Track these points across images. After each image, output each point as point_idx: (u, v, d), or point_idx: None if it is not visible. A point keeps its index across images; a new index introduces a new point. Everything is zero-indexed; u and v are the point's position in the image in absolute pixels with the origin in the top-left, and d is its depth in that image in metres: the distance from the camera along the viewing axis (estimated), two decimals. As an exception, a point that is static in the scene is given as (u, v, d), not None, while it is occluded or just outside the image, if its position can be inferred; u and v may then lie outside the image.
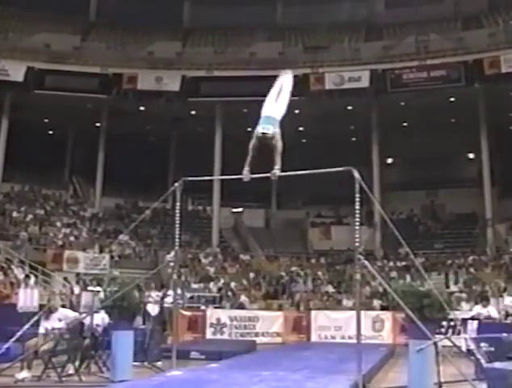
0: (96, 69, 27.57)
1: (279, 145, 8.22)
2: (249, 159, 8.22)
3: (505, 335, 9.37)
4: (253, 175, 8.33)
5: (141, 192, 29.71)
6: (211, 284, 22.65)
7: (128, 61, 28.21)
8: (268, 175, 8.34)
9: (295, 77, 9.36)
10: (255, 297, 22.29)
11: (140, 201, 30.11)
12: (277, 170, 8.20)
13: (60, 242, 24.25)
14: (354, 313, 11.20)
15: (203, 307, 19.60)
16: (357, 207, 8.37)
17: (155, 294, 17.25)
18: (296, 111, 28.49)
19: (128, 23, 31.37)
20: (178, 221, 9.84)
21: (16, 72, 26.28)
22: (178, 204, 9.83)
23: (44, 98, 26.66)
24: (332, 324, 17.78)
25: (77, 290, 18.26)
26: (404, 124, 30.12)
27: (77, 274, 21.94)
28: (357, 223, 8.64)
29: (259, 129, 8.14)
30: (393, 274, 23.75)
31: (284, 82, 8.85)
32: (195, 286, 22.34)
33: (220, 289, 22.30)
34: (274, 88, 8.71)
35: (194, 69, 28.20)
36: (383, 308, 19.49)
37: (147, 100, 28.10)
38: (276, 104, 8.52)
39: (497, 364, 7.05)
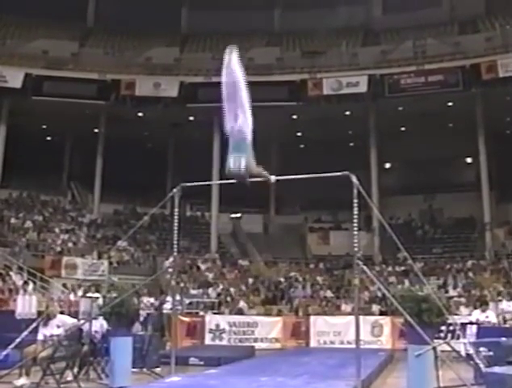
0: (94, 75, 27.61)
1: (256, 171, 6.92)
2: None
3: (504, 339, 9.38)
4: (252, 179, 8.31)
5: (140, 198, 29.71)
6: (210, 290, 22.63)
7: (126, 66, 28.25)
8: (263, 179, 8.29)
9: (293, 82, 9.26)
10: (254, 302, 22.25)
11: (138, 207, 30.08)
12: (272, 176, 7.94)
13: (58, 249, 24.21)
14: (353, 318, 11.20)
15: (201, 313, 19.59)
16: (355, 212, 8.38)
17: (146, 300, 17.26)
18: (294, 117, 28.71)
19: (126, 29, 31.44)
20: (176, 227, 9.84)
21: (14, 78, 26.30)
22: (176, 209, 9.84)
23: (42, 104, 26.68)
24: (331, 329, 17.74)
25: (72, 297, 18.23)
26: (402, 128, 30.17)
27: (78, 280, 21.82)
28: (355, 228, 8.64)
29: (229, 166, 6.79)
30: (392, 279, 23.73)
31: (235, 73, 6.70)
32: (193, 292, 22.31)
33: (218, 295, 22.28)
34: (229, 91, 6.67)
35: (192, 74, 28.23)
36: (382, 313, 19.48)
37: (145, 106, 28.12)
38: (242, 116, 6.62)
39: (496, 369, 7.04)
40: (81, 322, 10.53)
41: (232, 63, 6.77)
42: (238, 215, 32.30)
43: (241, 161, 6.60)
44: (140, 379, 9.91)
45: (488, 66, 25.40)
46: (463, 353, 9.93)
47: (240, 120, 6.65)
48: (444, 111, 27.36)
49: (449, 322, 10.41)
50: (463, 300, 19.62)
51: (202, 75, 28.09)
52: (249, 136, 6.68)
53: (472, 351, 9.32)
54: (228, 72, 6.71)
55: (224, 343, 17.26)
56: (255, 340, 17.51)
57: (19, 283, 18.09)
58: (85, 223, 28.18)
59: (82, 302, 16.05)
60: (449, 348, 8.63)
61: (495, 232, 27.17)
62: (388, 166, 33.21)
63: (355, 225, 8.57)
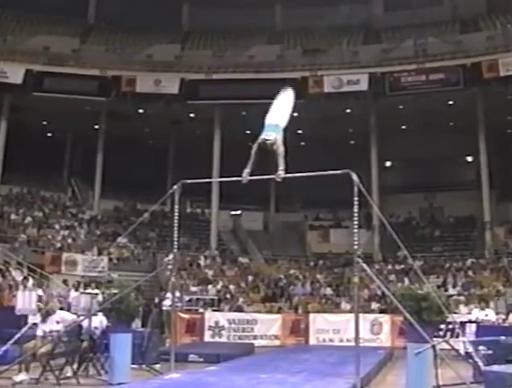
0: (95, 72, 27.58)
1: (281, 149, 8.42)
2: (251, 163, 8.45)
3: (503, 337, 9.39)
4: (253, 177, 8.43)
5: (140, 195, 29.71)
6: (210, 287, 22.62)
7: (127, 63, 28.20)
8: (272, 176, 8.45)
9: (293, 80, 9.58)
10: (254, 299, 22.27)
11: (138, 204, 30.07)
12: (281, 172, 8.36)
13: (58, 245, 24.21)
14: (352, 316, 11.21)
15: (201, 310, 19.59)
16: (355, 210, 8.37)
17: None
18: (295, 114, 28.35)
19: (127, 26, 31.39)
20: (176, 224, 9.84)
21: (15, 74, 26.28)
22: (176, 206, 9.84)
23: (42, 100, 26.67)
24: (330, 327, 17.78)
25: (73, 293, 18.20)
26: (403, 127, 30.16)
27: (82, 276, 21.73)
28: (355, 226, 8.64)
29: (262, 136, 8.43)
30: (392, 277, 23.71)
31: (286, 97, 9.21)
32: (193, 289, 22.31)
33: (218, 292, 22.29)
34: (277, 101, 9.04)
35: (193, 72, 28.21)
36: (381, 311, 19.49)
37: (146, 103, 28.10)
38: (279, 113, 8.87)
39: (495, 367, 7.06)
40: (81, 318, 10.53)
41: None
42: (238, 212, 32.29)
43: (272, 134, 8.42)
44: (140, 375, 9.92)
45: (490, 65, 25.38)
46: (462, 352, 9.93)
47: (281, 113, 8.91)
48: (445, 110, 27.36)
49: (448, 320, 10.41)
50: (462, 298, 19.63)
51: (203, 72, 28.15)
52: (282, 125, 8.76)
53: (471, 349, 9.33)
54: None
55: (224, 340, 17.31)
56: (255, 337, 17.56)
57: (19, 279, 18.07)
58: (85, 219, 28.15)
59: (82, 298, 16.02)
60: (448, 347, 8.64)
61: (495, 231, 27.15)
62: (388, 164, 33.20)
63: (355, 223, 8.56)
